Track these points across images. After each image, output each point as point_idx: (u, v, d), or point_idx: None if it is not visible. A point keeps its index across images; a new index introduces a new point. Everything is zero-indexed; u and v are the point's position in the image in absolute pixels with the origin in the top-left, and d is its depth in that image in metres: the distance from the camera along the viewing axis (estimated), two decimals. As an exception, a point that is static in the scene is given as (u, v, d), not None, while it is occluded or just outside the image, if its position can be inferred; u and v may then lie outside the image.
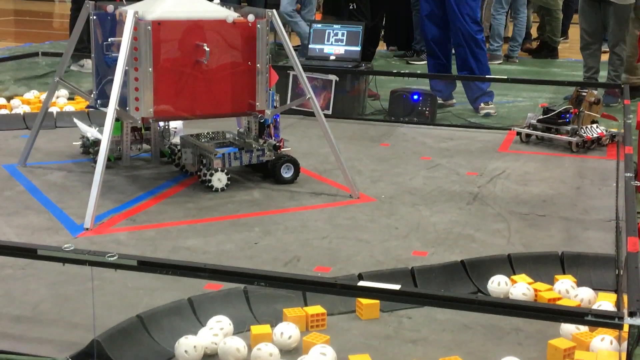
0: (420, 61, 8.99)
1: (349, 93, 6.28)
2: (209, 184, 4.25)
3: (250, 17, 4.20)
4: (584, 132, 5.31)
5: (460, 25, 6.34)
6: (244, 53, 4.22)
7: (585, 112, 5.38)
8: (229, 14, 4.20)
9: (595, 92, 5.56)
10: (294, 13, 8.17)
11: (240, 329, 2.76)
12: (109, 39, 4.24)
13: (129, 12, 3.95)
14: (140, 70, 4.01)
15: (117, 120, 4.33)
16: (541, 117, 5.48)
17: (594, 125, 5.41)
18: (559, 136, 5.35)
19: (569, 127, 5.34)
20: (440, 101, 6.45)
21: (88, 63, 7.33)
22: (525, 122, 5.59)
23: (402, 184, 4.53)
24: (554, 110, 5.44)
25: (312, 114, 4.81)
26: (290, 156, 4.48)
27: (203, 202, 4.14)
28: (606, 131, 5.41)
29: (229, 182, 4.29)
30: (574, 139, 5.25)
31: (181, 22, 4.09)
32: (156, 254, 3.43)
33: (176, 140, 4.73)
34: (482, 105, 6.47)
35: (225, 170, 4.28)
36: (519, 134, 5.54)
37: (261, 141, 4.49)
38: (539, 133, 5.45)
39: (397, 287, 2.33)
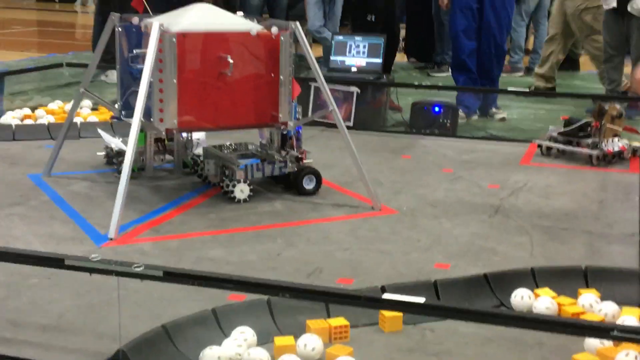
0: (441, 73, 9.01)
1: (370, 105, 6.30)
2: (232, 195, 4.27)
3: (274, 30, 4.23)
4: (606, 146, 5.29)
5: (495, 37, 6.46)
6: (267, 65, 4.25)
7: (607, 125, 5.35)
8: (253, 27, 4.23)
9: (617, 105, 5.53)
10: (322, 29, 8.21)
11: (263, 340, 2.77)
12: (134, 51, 4.28)
13: (155, 25, 4.00)
14: (164, 81, 4.05)
15: (141, 131, 4.37)
16: (562, 129, 5.47)
17: (616, 139, 5.37)
18: (580, 149, 5.33)
19: (590, 141, 5.32)
20: (462, 116, 6.43)
21: (112, 74, 7.40)
22: (546, 135, 5.58)
23: (424, 196, 4.53)
24: (575, 123, 5.42)
25: (333, 126, 4.83)
26: (313, 168, 4.50)
27: (225, 213, 4.17)
28: (628, 145, 5.38)
29: (252, 193, 4.31)
30: (595, 152, 5.23)
31: (205, 34, 4.12)
32: (180, 264, 3.45)
33: (199, 151, 4.76)
34: (494, 109, 6.61)
35: (248, 182, 4.30)
36: (539, 146, 5.52)
37: (283, 153, 4.51)
38: (560, 146, 5.43)
39: (421, 300, 2.34)
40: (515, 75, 9.14)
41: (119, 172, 4.40)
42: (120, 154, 4.63)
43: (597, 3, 7.36)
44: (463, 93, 6.65)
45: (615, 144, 5.33)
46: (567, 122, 5.51)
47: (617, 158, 5.32)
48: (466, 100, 6.62)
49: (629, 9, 6.64)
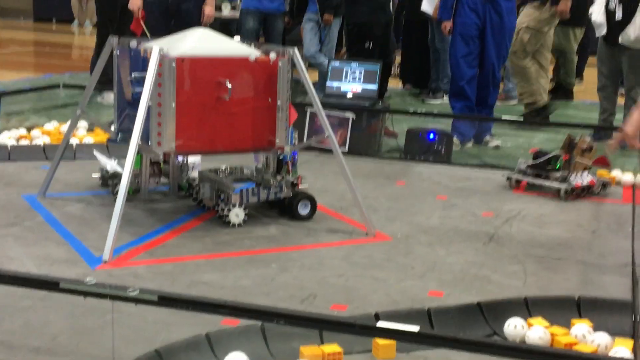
0: (436, 99, 9.05)
1: (365, 131, 6.33)
2: (227, 219, 4.28)
3: (272, 55, 4.26)
4: (574, 180, 5.16)
5: (494, 66, 6.56)
6: (265, 90, 4.28)
7: (577, 158, 5.23)
8: (252, 52, 4.27)
9: (587, 138, 5.38)
10: (318, 54, 8.27)
11: (257, 366, 2.77)
12: (133, 74, 4.31)
13: (154, 49, 4.02)
14: (163, 105, 4.07)
15: (137, 153, 4.39)
16: (531, 162, 5.37)
17: (585, 173, 5.24)
18: (548, 182, 5.21)
19: (558, 174, 5.20)
20: (456, 143, 6.46)
21: (109, 96, 7.42)
22: (516, 168, 5.45)
23: (418, 223, 4.55)
24: (544, 156, 5.30)
25: (328, 151, 4.85)
26: (308, 193, 4.51)
27: (220, 236, 4.17)
28: (597, 179, 5.29)
29: (247, 218, 4.32)
30: (563, 186, 5.12)
31: (205, 59, 4.15)
32: (174, 288, 3.45)
33: (194, 174, 4.77)
34: (489, 137, 6.69)
35: (243, 206, 4.31)
36: (509, 179, 5.41)
37: (279, 177, 4.53)
38: (529, 179, 5.31)
39: (415, 328, 2.35)
40: (510, 103, 9.20)
41: (114, 194, 4.42)
42: (116, 175, 4.64)
43: (539, 25, 7.48)
44: (458, 120, 6.69)
45: (584, 178, 5.20)
46: (536, 155, 5.38)
47: (585, 192, 5.19)
48: (461, 127, 6.66)
49: (620, 40, 6.72)
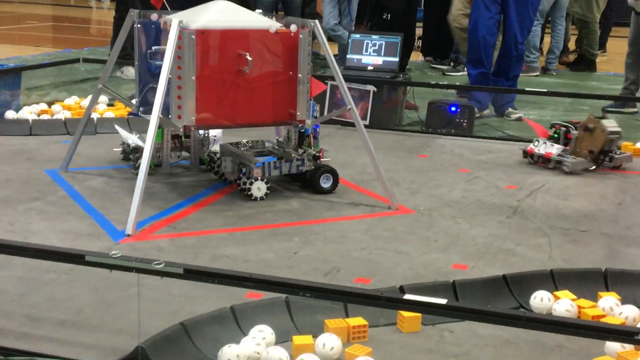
0: (457, 72, 8.97)
1: (386, 104, 6.28)
2: (249, 193, 4.27)
3: (293, 27, 4.22)
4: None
5: (517, 37, 6.47)
6: (286, 63, 4.24)
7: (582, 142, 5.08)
8: (272, 24, 4.22)
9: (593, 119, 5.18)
10: (337, 27, 8.20)
11: (282, 339, 2.76)
12: (153, 47, 4.28)
13: (174, 21, 3.99)
14: (183, 78, 4.04)
15: (158, 127, 4.38)
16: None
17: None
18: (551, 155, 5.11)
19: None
20: (476, 112, 6.43)
21: (129, 70, 7.41)
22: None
23: (441, 196, 4.51)
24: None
25: (349, 124, 4.82)
26: (330, 166, 4.48)
27: (242, 210, 4.16)
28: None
29: (268, 191, 4.30)
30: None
31: (225, 31, 4.12)
32: (197, 261, 3.45)
33: (215, 148, 4.76)
34: (510, 109, 6.64)
35: (265, 179, 4.29)
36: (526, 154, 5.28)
37: (301, 151, 4.50)
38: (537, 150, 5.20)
39: (443, 301, 2.32)
40: (531, 75, 9.10)
41: (136, 168, 4.42)
42: (137, 150, 4.63)
43: None
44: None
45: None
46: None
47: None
48: (478, 95, 6.62)
49: (629, 2, 6.64)
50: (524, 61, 6.75)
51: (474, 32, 6.64)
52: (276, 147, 4.67)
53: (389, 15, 7.67)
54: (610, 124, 5.15)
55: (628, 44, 7.05)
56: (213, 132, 4.85)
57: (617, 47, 7.29)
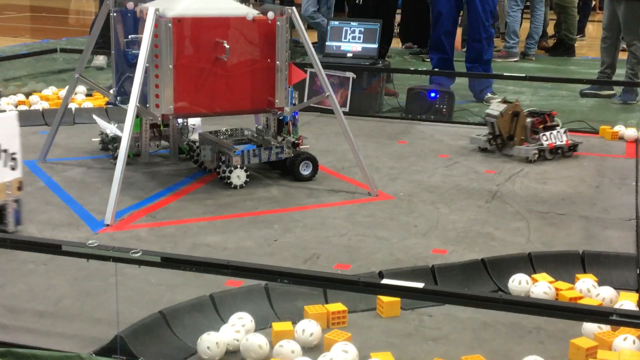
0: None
1: (365, 90, 6.28)
2: (228, 181, 4.26)
3: (270, 15, 4.21)
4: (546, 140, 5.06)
5: (482, 22, 6.53)
6: (264, 50, 4.23)
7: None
8: (249, 11, 4.21)
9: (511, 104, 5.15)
10: (316, 14, 8.18)
11: (261, 326, 2.77)
12: (130, 36, 4.26)
13: (150, 9, 3.97)
14: (160, 67, 4.02)
15: (136, 116, 4.37)
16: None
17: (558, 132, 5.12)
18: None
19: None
20: None
21: (97, 59, 7.36)
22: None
23: (421, 182, 4.53)
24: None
25: (329, 111, 4.82)
26: (309, 153, 4.48)
27: (222, 199, 4.15)
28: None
29: (248, 179, 4.30)
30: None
31: (201, 19, 4.10)
32: (176, 250, 3.44)
33: (194, 137, 4.74)
34: (489, 94, 6.72)
35: (244, 167, 4.29)
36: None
37: (280, 138, 4.50)
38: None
39: (420, 285, 2.34)
40: (510, 60, 9.13)
41: (115, 158, 4.39)
42: (116, 139, 4.61)
43: None
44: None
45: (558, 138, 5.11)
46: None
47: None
48: (437, 78, 6.70)
49: None
50: (493, 44, 6.82)
51: (435, 19, 6.80)
52: (255, 135, 4.67)
53: (361, 0, 7.65)
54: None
55: (603, 28, 7.09)
56: (192, 121, 4.83)
57: (597, 31, 7.32)
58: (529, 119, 5.08)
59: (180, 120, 4.70)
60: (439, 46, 6.75)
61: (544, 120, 5.11)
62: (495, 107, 5.13)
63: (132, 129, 3.95)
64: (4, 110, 5.63)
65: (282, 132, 4.53)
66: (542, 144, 5.01)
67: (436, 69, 6.77)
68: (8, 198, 3.54)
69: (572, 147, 5.11)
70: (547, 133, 5.05)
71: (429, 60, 8.91)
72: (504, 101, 5.22)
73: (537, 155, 4.96)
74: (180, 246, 3.52)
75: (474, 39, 6.70)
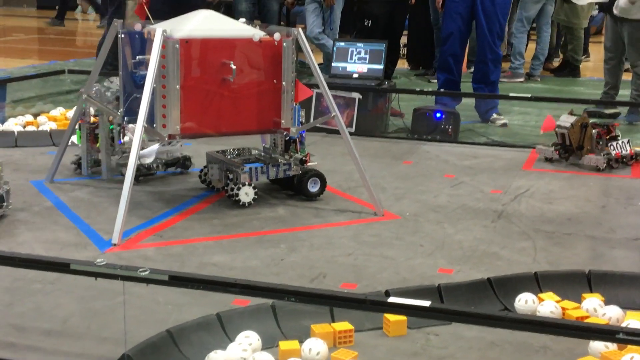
0: (441, 79, 9.01)
1: (371, 111, 6.31)
2: (236, 198, 4.27)
3: (277, 36, 4.24)
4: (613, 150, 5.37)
5: (489, 43, 6.56)
6: (270, 71, 4.26)
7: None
8: (256, 33, 4.25)
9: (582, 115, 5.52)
10: (320, 35, 8.23)
11: (268, 345, 2.77)
12: (137, 57, 4.29)
13: (158, 31, 4.01)
14: (167, 87, 4.05)
15: (123, 135, 4.49)
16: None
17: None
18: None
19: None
20: None
21: (116, 81, 7.40)
22: None
23: (426, 202, 4.54)
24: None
25: (335, 132, 4.84)
26: (317, 170, 4.50)
27: (229, 218, 4.17)
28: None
29: (256, 197, 4.31)
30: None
31: (209, 40, 4.14)
32: (183, 269, 3.46)
33: (147, 160, 4.74)
34: (495, 115, 6.75)
35: (253, 185, 4.30)
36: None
37: (287, 156, 4.52)
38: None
39: (427, 303, 2.34)
40: (516, 81, 9.16)
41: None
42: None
43: None
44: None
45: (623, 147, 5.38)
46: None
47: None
48: (444, 99, 6.74)
49: (614, 12, 6.70)
50: (500, 65, 6.85)
51: (443, 42, 6.84)
52: (263, 153, 4.69)
53: (370, 22, 7.70)
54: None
55: (605, 49, 7.11)
56: (146, 151, 4.77)
57: (602, 53, 7.36)
58: (594, 130, 5.33)
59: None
60: (447, 67, 6.77)
61: (609, 131, 5.39)
62: (565, 119, 5.42)
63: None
64: None
65: (290, 150, 4.55)
66: (609, 154, 5.26)
67: (442, 90, 6.80)
68: None
69: (635, 157, 5.41)
70: (614, 143, 5.34)
71: (434, 81, 9.00)
72: (571, 113, 5.47)
73: (605, 165, 5.21)
74: (187, 265, 3.53)
75: (480, 60, 6.73)
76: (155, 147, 4.75)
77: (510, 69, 9.31)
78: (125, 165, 4.51)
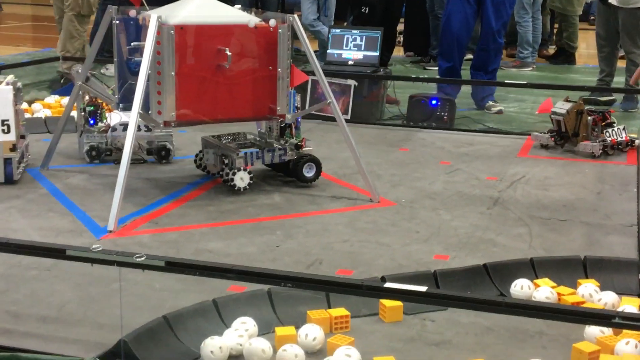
0: (437, 66, 8.99)
1: (367, 98, 6.30)
2: (232, 183, 4.26)
3: (272, 22, 4.23)
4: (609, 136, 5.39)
5: (493, 33, 6.53)
6: (265, 58, 4.25)
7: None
8: (251, 19, 4.23)
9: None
10: (315, 22, 8.20)
11: (264, 331, 2.77)
12: (132, 43, 4.27)
13: (152, 17, 3.99)
14: (163, 74, 4.04)
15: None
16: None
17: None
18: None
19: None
20: None
21: (112, 67, 7.39)
22: None
23: (422, 189, 4.54)
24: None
25: (330, 119, 4.84)
26: (312, 155, 4.49)
27: (224, 205, 4.16)
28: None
29: (252, 181, 4.30)
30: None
31: (203, 26, 4.12)
32: (179, 256, 3.44)
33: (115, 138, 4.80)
34: (491, 102, 6.74)
35: (248, 169, 4.30)
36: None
37: (282, 141, 4.51)
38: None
39: (423, 288, 2.34)
40: (525, 70, 9.09)
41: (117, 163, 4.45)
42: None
43: None
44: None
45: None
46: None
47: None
48: (446, 88, 6.67)
49: (610, 0, 6.68)
50: (501, 55, 6.82)
51: (447, 25, 6.70)
52: (258, 138, 4.67)
53: (367, 9, 7.68)
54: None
55: (597, 36, 7.08)
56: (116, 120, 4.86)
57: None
58: (590, 117, 5.33)
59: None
60: (449, 55, 6.67)
61: (604, 118, 5.38)
62: (561, 106, 5.41)
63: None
64: None
65: (285, 135, 4.54)
66: (605, 140, 5.27)
67: (438, 77, 6.78)
68: None
69: (631, 143, 5.41)
70: (610, 130, 5.34)
71: (431, 68, 8.98)
72: (567, 100, 5.45)
73: (601, 151, 5.21)
74: (182, 252, 3.53)
75: (482, 48, 6.68)
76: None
77: (519, 58, 9.27)
78: (90, 149, 4.82)
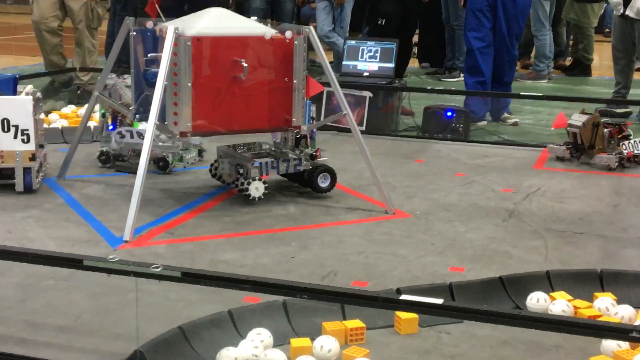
0: (452, 78, 9.00)
1: (382, 109, 6.31)
2: (247, 193, 4.27)
3: (288, 34, 4.24)
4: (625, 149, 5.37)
5: (506, 45, 6.54)
6: (281, 69, 4.26)
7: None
8: (267, 31, 4.25)
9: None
10: (331, 33, 8.22)
11: (280, 342, 2.77)
12: (149, 55, 4.30)
13: (170, 28, 4.01)
14: (179, 85, 4.06)
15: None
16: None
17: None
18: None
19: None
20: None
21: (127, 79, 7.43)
22: None
23: (437, 200, 4.53)
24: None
25: (345, 130, 4.84)
26: (327, 166, 4.50)
27: (239, 216, 4.17)
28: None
29: (267, 191, 4.30)
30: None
31: (220, 38, 4.14)
32: (194, 266, 3.44)
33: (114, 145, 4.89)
34: (506, 114, 6.71)
35: (263, 179, 4.30)
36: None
37: (297, 151, 4.52)
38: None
39: (439, 301, 2.34)
40: (541, 82, 9.08)
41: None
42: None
43: None
44: (471, 97, 6.66)
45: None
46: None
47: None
48: (473, 105, 6.62)
49: (628, 13, 6.66)
50: (515, 66, 6.81)
51: (466, 41, 6.74)
52: (273, 148, 4.68)
53: (384, 21, 7.69)
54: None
55: (613, 48, 7.07)
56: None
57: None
58: (606, 129, 5.32)
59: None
60: (475, 69, 6.60)
61: (620, 130, 5.37)
62: (577, 118, 5.39)
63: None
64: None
65: (300, 145, 4.55)
66: (621, 153, 5.24)
67: (453, 89, 6.77)
68: (17, 164, 4.34)
69: None
70: (626, 142, 5.32)
71: (446, 79, 8.97)
72: (583, 112, 5.44)
73: (617, 164, 5.19)
74: (198, 263, 3.54)
75: (496, 60, 6.68)
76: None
77: (535, 70, 9.25)
78: (101, 154, 4.94)
